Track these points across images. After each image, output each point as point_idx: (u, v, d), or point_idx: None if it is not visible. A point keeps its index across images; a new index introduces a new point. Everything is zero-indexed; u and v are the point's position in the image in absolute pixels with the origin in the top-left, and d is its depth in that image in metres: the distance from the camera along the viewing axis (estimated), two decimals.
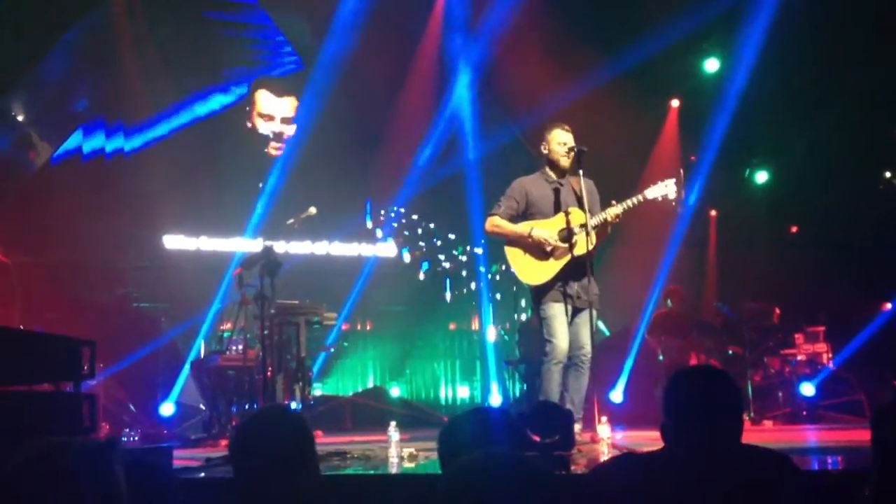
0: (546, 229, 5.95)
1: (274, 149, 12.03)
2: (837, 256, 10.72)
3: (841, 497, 3.65)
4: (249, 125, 11.86)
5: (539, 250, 5.94)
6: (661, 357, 9.77)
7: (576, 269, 5.90)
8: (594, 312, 5.88)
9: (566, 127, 6.09)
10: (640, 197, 5.98)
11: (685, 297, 10.70)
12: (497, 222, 6.07)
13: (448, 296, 13.20)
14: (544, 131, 6.14)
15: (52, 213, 9.60)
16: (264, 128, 12.00)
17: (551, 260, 5.93)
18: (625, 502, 2.38)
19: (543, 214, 6.02)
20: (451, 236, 13.21)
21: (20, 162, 10.58)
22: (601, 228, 5.91)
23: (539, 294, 5.96)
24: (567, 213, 5.91)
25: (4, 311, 8.39)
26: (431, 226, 13.16)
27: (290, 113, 12.18)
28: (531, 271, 5.97)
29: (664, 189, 5.99)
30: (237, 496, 2.52)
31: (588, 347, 5.90)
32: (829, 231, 11.09)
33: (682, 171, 6.43)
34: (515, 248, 6.03)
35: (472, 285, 12.99)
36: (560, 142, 6.03)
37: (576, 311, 5.93)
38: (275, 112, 12.10)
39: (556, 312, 5.85)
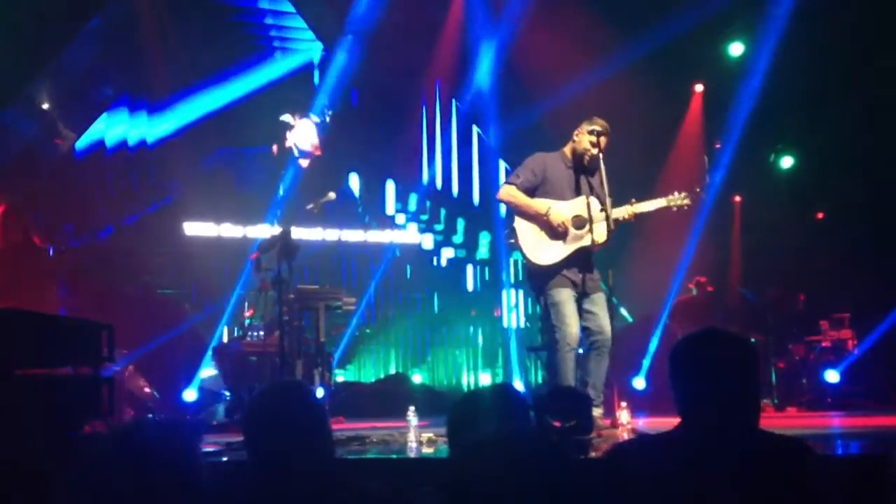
0: (563, 211, 5.87)
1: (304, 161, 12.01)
2: (864, 243, 10.59)
3: (868, 480, 3.60)
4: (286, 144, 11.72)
5: (551, 230, 5.86)
6: None
7: (582, 258, 5.86)
8: (604, 296, 5.85)
9: (605, 124, 5.94)
10: (658, 203, 5.94)
11: (711, 287, 10.63)
12: (513, 192, 5.95)
13: (469, 283, 13.17)
14: (584, 120, 6.02)
15: (78, 200, 9.67)
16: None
17: (560, 243, 5.85)
18: (640, 484, 2.34)
19: (557, 194, 5.93)
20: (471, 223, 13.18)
21: (47, 149, 10.65)
22: (614, 224, 5.84)
23: (543, 279, 5.86)
24: (588, 201, 5.84)
25: (36, 294, 8.44)
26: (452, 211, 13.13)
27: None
28: (539, 250, 5.88)
29: (680, 201, 5.95)
30: (251, 475, 2.52)
31: (608, 331, 5.81)
32: (855, 217, 10.94)
33: (706, 160, 6.38)
34: (527, 222, 5.94)
35: (495, 272, 12.97)
36: (593, 140, 5.92)
37: (581, 298, 5.84)
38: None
39: (565, 298, 5.76)
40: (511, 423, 2.53)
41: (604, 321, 5.82)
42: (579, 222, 5.85)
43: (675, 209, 5.98)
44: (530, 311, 12.30)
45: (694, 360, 2.45)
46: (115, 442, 2.37)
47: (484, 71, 11.67)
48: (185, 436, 2.38)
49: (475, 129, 12.10)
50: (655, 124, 11.76)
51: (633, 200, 5.91)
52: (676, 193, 5.97)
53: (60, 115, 10.66)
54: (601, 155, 5.88)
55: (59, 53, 10.21)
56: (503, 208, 6.16)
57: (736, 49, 11.68)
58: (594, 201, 5.85)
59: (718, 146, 11.82)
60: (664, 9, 10.22)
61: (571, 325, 5.73)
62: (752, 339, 9.65)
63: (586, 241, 5.80)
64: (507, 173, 6.33)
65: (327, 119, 11.06)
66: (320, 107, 10.96)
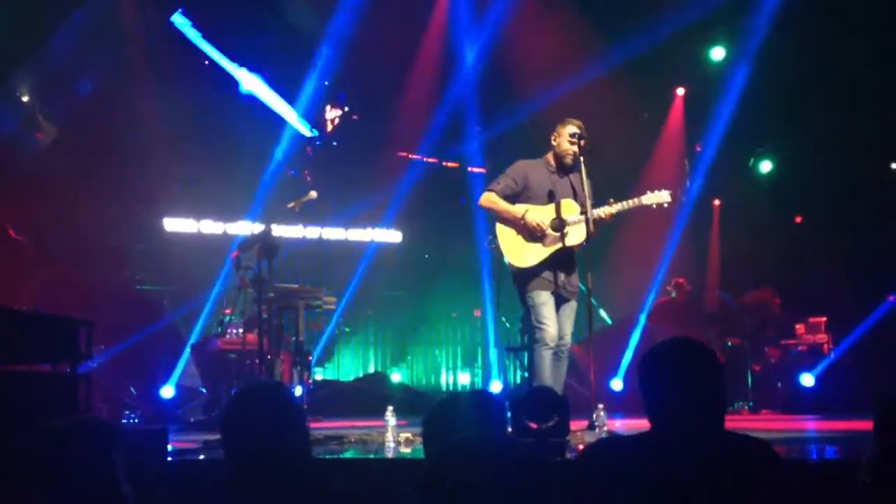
0: (539, 214, 5.99)
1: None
2: (841, 247, 10.69)
3: (839, 486, 3.65)
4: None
5: (530, 233, 6.00)
6: None
7: (562, 260, 5.99)
8: (575, 304, 6.04)
9: (580, 124, 6.09)
10: (637, 201, 6.02)
11: (689, 289, 10.70)
12: (493, 199, 6.11)
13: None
14: (558, 124, 6.17)
15: (57, 194, 9.60)
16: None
17: (539, 245, 5.99)
18: (610, 484, 2.38)
19: (538, 200, 6.06)
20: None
21: (26, 142, 10.58)
22: (593, 224, 5.91)
23: (525, 280, 6.01)
24: (558, 204, 5.97)
25: (11, 288, 8.37)
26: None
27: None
28: (519, 253, 6.03)
29: (661, 197, 6.03)
30: (228, 473, 2.52)
31: (568, 338, 6.02)
32: (832, 221, 11.04)
33: (686, 163, 6.44)
34: (507, 227, 6.09)
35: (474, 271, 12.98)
36: (571, 135, 6.03)
37: (560, 300, 6.00)
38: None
39: (545, 300, 5.93)
40: (485, 428, 2.55)
41: (567, 328, 6.01)
42: (557, 224, 5.96)
43: (654, 207, 6.05)
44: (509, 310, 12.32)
45: (659, 367, 2.53)
46: (25, 449, 2.28)
47: (467, 75, 11.69)
48: (97, 441, 2.30)
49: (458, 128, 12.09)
50: (637, 127, 11.84)
51: (612, 200, 6.01)
52: (656, 191, 6.05)
53: (41, 108, 10.59)
54: (582, 157, 5.95)
55: (40, 46, 10.15)
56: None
57: (717, 53, 11.77)
58: (569, 204, 5.97)
59: (699, 149, 11.91)
60: (647, 13, 10.28)
61: (550, 325, 5.89)
62: (729, 343, 9.74)
63: (566, 242, 5.91)
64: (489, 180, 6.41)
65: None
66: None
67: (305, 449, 2.61)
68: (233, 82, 11.72)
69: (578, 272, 6.13)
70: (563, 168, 6.12)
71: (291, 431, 2.52)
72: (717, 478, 2.32)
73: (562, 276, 5.97)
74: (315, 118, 12.12)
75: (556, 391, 5.77)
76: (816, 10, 10.09)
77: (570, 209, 5.96)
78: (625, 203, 5.99)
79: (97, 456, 2.28)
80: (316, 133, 11.97)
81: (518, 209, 6.02)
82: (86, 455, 2.27)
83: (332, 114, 12.27)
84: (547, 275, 5.95)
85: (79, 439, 2.29)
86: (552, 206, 6.02)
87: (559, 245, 5.94)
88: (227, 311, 8.90)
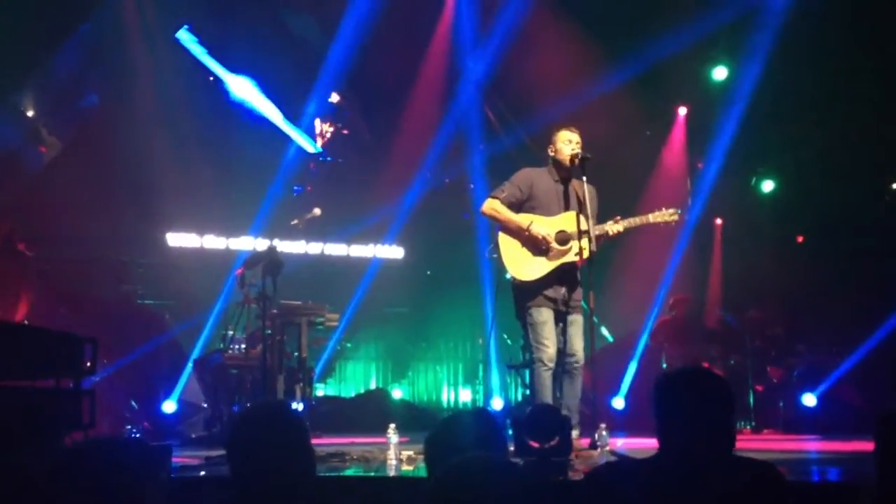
0: (545, 226, 5.87)
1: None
2: (843, 266, 10.69)
3: None
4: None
5: (534, 245, 5.87)
6: (664, 365, 9.76)
7: (565, 274, 5.85)
8: (582, 318, 5.85)
9: (573, 128, 6.04)
10: (644, 219, 5.95)
11: (691, 306, 10.69)
12: (497, 206, 5.96)
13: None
14: (552, 133, 6.10)
15: (59, 207, 9.62)
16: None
17: (543, 259, 5.85)
18: None
19: (544, 209, 5.93)
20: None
21: (30, 156, 10.61)
22: (598, 240, 5.83)
23: (525, 297, 5.88)
24: (565, 217, 5.85)
25: (13, 301, 8.37)
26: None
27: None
28: (521, 266, 5.88)
29: (668, 217, 5.97)
30: (234, 493, 2.53)
31: (580, 354, 5.85)
32: (834, 241, 11.05)
33: (688, 182, 6.44)
34: (510, 238, 5.95)
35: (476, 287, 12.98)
36: (566, 140, 5.96)
37: (561, 317, 5.86)
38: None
39: (545, 318, 5.79)
40: (487, 450, 2.56)
41: (577, 344, 5.84)
42: (563, 238, 5.84)
43: (662, 225, 6.01)
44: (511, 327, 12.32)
45: (673, 395, 2.57)
46: (64, 462, 2.29)
47: (469, 92, 11.74)
48: (143, 460, 2.32)
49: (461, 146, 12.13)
50: (639, 146, 11.85)
51: (619, 218, 5.92)
52: (663, 209, 6.00)
53: (45, 123, 10.63)
54: (580, 161, 5.83)
55: (45, 61, 10.20)
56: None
57: (719, 73, 11.80)
58: (575, 217, 5.80)
59: (701, 166, 11.93)
60: (649, 33, 10.32)
61: (549, 346, 5.76)
62: (731, 361, 9.73)
63: (571, 257, 5.80)
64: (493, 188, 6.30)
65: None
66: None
67: (309, 467, 2.62)
68: (238, 99, 11.79)
69: (582, 290, 6.00)
70: (565, 176, 6.00)
71: (296, 450, 2.53)
72: (722, 501, 2.33)
73: (564, 292, 5.83)
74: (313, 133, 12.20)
75: (571, 409, 5.74)
76: (818, 30, 10.12)
77: (576, 223, 5.80)
78: (631, 220, 5.90)
79: (143, 478, 2.30)
80: (320, 150, 12.02)
81: (523, 219, 5.88)
82: (130, 476, 2.28)
83: (322, 128, 12.30)
84: (549, 291, 5.82)
85: (126, 460, 2.31)
86: (557, 219, 5.90)
87: (564, 259, 5.82)
88: (230, 328, 8.90)
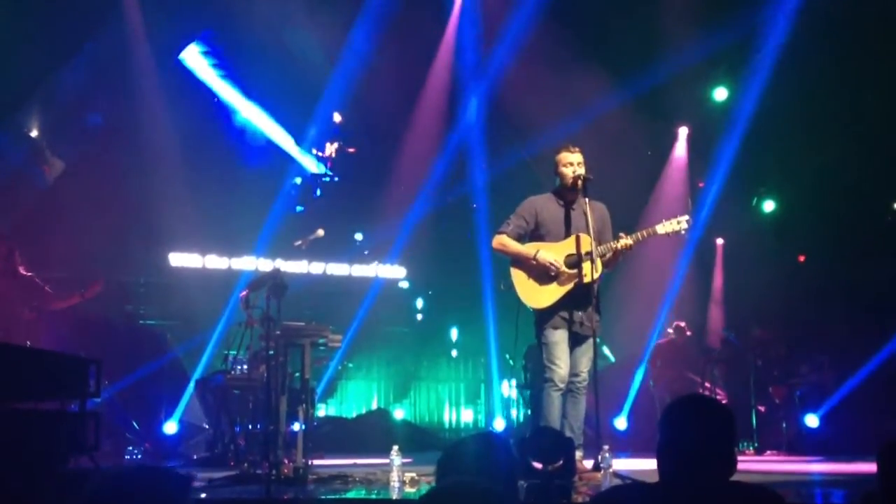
0: (552, 252, 5.87)
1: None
2: (844, 286, 10.70)
3: None
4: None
5: (543, 274, 5.86)
6: (651, 384, 9.78)
7: (580, 297, 5.80)
8: (595, 340, 5.80)
9: (573, 148, 6.02)
10: (652, 231, 5.92)
11: (689, 334, 10.70)
12: (504, 241, 5.99)
13: (454, 333, 13.20)
14: (554, 155, 6.09)
15: (62, 228, 9.64)
16: None
17: (554, 285, 5.85)
18: None
19: (553, 236, 5.94)
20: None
21: (33, 177, 10.63)
22: (611, 258, 5.83)
23: (541, 319, 5.88)
24: (578, 238, 5.85)
25: (14, 321, 8.37)
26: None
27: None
28: (534, 295, 5.89)
29: (676, 226, 5.94)
30: None
31: (585, 374, 5.85)
32: (836, 261, 11.07)
33: (690, 202, 6.42)
34: (520, 269, 5.96)
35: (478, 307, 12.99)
36: (567, 162, 5.96)
37: (577, 339, 5.85)
38: None
39: (558, 339, 5.79)
40: (494, 474, 2.56)
41: (584, 364, 5.85)
42: (573, 261, 5.83)
43: (671, 235, 6.00)
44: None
45: (676, 422, 2.60)
46: (100, 486, 2.31)
47: (472, 112, 11.79)
48: (174, 486, 2.34)
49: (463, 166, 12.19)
50: (641, 166, 11.89)
51: (623, 235, 5.89)
52: (672, 219, 5.96)
53: (48, 142, 10.66)
54: (582, 180, 5.83)
55: (49, 80, 10.23)
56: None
57: (720, 94, 11.86)
58: (584, 239, 5.79)
59: (702, 185, 11.96)
60: (651, 54, 10.38)
61: (561, 366, 5.75)
62: (733, 382, 9.73)
63: (581, 280, 5.76)
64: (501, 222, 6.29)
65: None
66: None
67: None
68: (242, 120, 11.85)
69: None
70: (570, 199, 5.99)
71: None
72: None
73: (579, 314, 5.80)
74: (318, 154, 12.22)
75: (575, 430, 5.72)
76: (818, 51, 10.18)
77: (585, 244, 5.77)
78: (639, 234, 5.85)
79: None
80: (324, 170, 12.05)
81: (529, 249, 5.90)
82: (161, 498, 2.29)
83: (329, 149, 12.33)
84: (564, 313, 5.80)
85: (158, 482, 2.32)
86: (565, 243, 5.89)
87: (576, 282, 5.79)
88: (232, 348, 8.89)
